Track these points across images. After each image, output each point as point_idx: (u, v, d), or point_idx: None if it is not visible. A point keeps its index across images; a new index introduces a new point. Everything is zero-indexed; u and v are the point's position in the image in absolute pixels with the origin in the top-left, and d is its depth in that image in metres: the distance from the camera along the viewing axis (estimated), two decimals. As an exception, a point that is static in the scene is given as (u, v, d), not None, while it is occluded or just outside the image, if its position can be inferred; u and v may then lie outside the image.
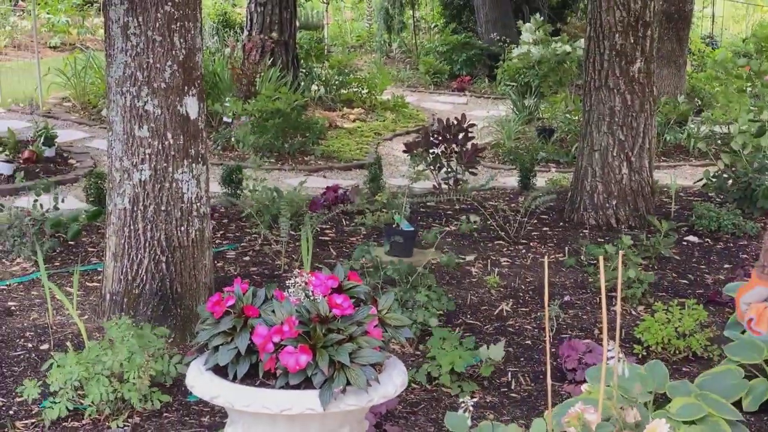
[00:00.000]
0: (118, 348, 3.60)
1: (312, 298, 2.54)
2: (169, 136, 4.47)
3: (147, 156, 4.46)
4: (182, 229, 4.56)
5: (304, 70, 11.95)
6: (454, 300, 5.20)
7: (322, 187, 7.98)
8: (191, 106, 4.54)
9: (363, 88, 12.26)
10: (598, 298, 5.33)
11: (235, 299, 2.53)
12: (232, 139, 9.23)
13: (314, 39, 13.66)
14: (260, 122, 8.99)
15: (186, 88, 4.51)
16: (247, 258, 5.90)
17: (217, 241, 6.24)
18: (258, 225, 6.32)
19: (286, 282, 2.63)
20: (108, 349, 3.62)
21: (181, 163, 4.53)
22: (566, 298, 5.30)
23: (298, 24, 15.63)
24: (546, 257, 5.84)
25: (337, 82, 12.08)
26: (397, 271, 4.87)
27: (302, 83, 11.57)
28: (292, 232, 6.27)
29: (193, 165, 4.58)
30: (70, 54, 12.32)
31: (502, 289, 5.44)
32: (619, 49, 6.67)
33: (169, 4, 4.40)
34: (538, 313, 5.09)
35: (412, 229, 6.01)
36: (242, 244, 6.19)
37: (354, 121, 11.14)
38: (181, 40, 4.47)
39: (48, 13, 15.07)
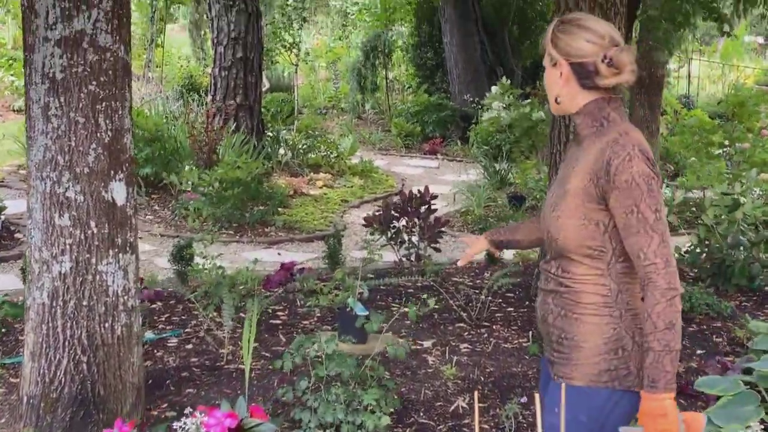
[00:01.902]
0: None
1: (202, 446, 2.18)
2: (93, 224, 4.12)
3: (68, 246, 4.11)
4: (106, 325, 4.20)
5: (270, 134, 11.67)
6: (407, 395, 4.86)
7: (280, 261, 7.64)
8: (118, 192, 4.20)
9: (332, 152, 11.97)
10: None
11: (112, 448, 2.16)
12: (190, 209, 8.89)
13: (282, 101, 13.38)
14: (219, 192, 8.65)
15: (112, 172, 4.17)
16: (189, 346, 5.52)
17: (160, 326, 5.87)
18: (206, 307, 5.98)
19: (173, 425, 2.26)
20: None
21: (106, 254, 4.17)
22: (523, 399, 4.94)
23: (268, 85, 15.43)
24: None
25: (304, 146, 11.78)
26: (344, 365, 4.49)
27: (268, 148, 11.27)
28: (242, 314, 5.94)
29: (120, 255, 4.23)
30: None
31: (459, 382, 5.07)
32: (585, 121, 6.39)
33: (94, 83, 4.09)
34: (497, 410, 4.73)
35: (367, 313, 5.65)
36: (186, 329, 5.82)
37: (321, 187, 10.83)
38: (107, 121, 4.15)
39: (12, 76, 14.77)
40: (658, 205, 2.41)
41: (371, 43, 16.40)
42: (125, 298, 4.28)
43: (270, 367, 5.16)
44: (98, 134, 4.12)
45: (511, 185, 10.98)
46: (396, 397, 4.75)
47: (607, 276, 2.53)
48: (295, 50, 14.15)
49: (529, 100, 12.27)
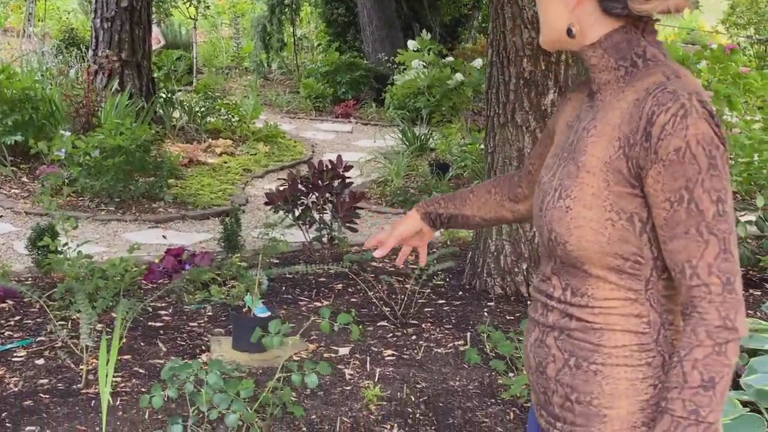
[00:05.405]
0: None
1: None
2: None
3: None
4: None
5: (163, 96, 10.37)
6: (318, 426, 3.81)
7: (168, 244, 6.48)
8: None
9: (233, 116, 10.74)
10: (512, 412, 3.99)
11: None
12: (66, 181, 7.60)
13: (177, 59, 12.06)
14: (98, 161, 7.39)
15: None
16: (40, 361, 4.34)
17: (7, 333, 4.67)
18: (68, 307, 4.82)
19: None
20: None
21: None
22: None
23: (164, 42, 14.07)
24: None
25: (202, 109, 10.53)
26: (232, 397, 3.39)
27: (160, 111, 10.00)
28: (114, 314, 4.80)
29: None
30: None
31: (384, 403, 4.03)
32: (528, 77, 5.38)
33: None
34: (434, 442, 3.72)
35: (267, 314, 4.57)
36: (40, 337, 4.63)
37: (220, 155, 9.62)
38: None
39: None
40: (722, 192, 1.52)
41: (277, -3, 15.11)
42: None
43: (144, 389, 4.04)
44: None
45: (433, 151, 9.95)
46: (304, 429, 3.71)
47: (645, 302, 1.62)
48: (193, 2, 12.81)
49: (450, 59, 11.26)
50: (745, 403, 3.69)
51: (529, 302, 1.82)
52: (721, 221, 1.52)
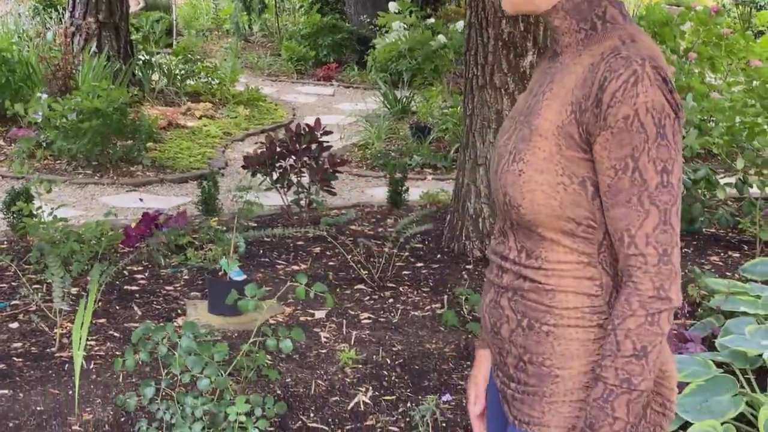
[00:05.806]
0: None
1: None
2: None
3: None
4: None
5: (142, 58, 10.26)
6: (293, 388, 3.80)
7: (146, 207, 6.44)
8: None
9: (213, 79, 10.65)
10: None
11: None
12: (43, 144, 7.53)
13: (156, 21, 11.92)
14: (75, 124, 7.32)
15: None
16: (15, 325, 4.31)
17: (-19, 297, 4.64)
18: (43, 270, 4.78)
19: None
20: None
21: None
22: (446, 398, 3.92)
23: (143, 4, 13.91)
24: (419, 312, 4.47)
25: (182, 72, 10.43)
26: (206, 361, 3.37)
27: (139, 74, 9.89)
28: (90, 278, 4.76)
29: None
30: None
31: (360, 366, 4.02)
32: (507, 38, 5.32)
33: None
34: (408, 404, 3.71)
35: (243, 277, 4.54)
36: (14, 301, 4.59)
37: (200, 118, 9.53)
38: None
39: None
40: (668, 162, 1.52)
41: (258, -42, 14.93)
42: None
43: (119, 352, 4.02)
44: None
45: (414, 114, 9.90)
46: (279, 392, 3.70)
47: (597, 265, 1.63)
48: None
49: (431, 20, 11.18)
50: (719, 364, 3.70)
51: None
52: (664, 192, 1.52)
